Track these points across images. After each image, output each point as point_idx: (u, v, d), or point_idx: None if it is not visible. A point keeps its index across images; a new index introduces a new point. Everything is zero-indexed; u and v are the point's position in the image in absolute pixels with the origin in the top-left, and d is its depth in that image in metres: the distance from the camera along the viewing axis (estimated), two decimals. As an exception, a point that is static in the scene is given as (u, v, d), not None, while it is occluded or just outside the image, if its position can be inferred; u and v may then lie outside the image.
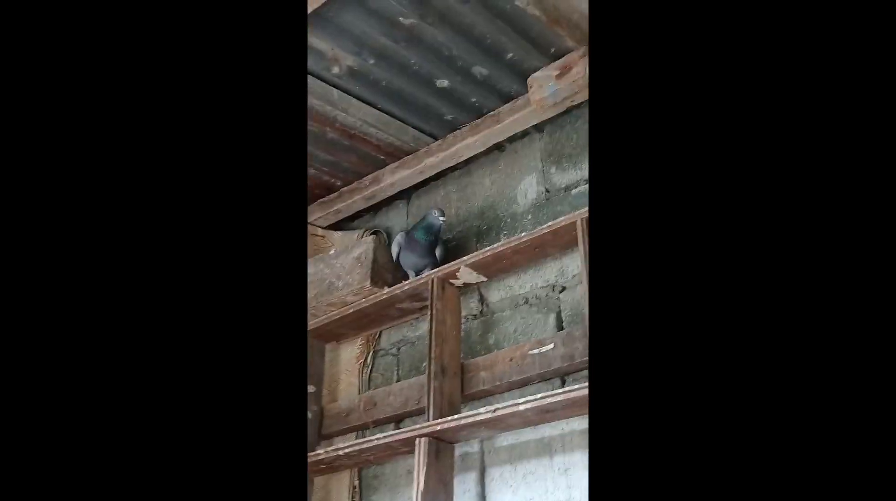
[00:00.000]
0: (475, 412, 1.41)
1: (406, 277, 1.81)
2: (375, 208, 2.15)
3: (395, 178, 2.02)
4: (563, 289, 1.63)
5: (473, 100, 1.78)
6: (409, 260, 1.79)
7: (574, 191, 1.72)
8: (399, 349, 1.91)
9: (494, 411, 1.38)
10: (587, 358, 1.35)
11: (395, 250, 1.82)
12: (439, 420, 1.46)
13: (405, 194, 2.11)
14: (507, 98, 1.78)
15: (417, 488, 1.42)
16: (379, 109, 1.81)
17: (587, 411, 1.26)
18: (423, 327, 1.79)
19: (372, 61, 1.64)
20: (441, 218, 1.77)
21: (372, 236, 1.91)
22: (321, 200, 2.16)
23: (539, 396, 1.33)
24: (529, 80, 1.68)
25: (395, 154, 1.99)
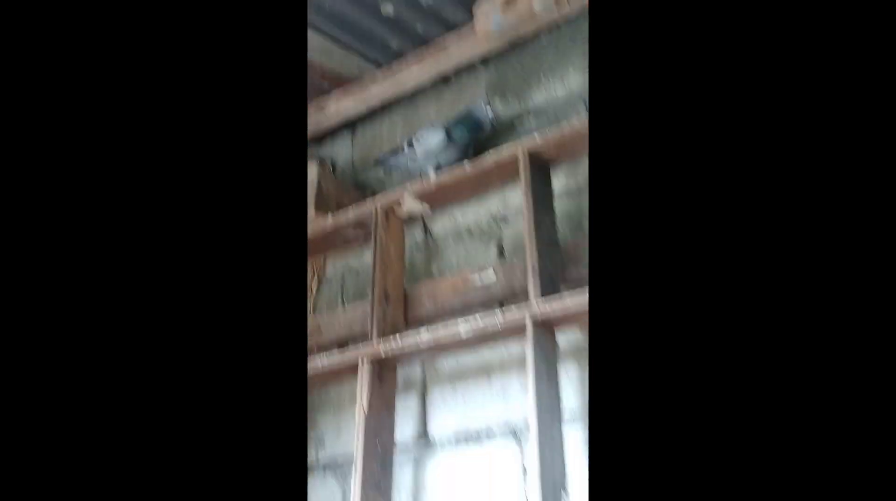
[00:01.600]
0: (416, 334, 1.46)
1: (351, 199, 1.81)
2: (320, 138, 2.13)
3: (340, 107, 2.01)
4: (506, 220, 1.68)
5: (419, 28, 1.77)
6: (437, 158, 1.68)
7: (518, 124, 1.75)
8: (344, 277, 1.94)
9: (436, 334, 1.44)
10: (526, 286, 1.41)
11: (438, 137, 1.67)
12: (382, 343, 1.52)
13: (350, 125, 2.09)
14: (452, 27, 1.77)
15: (360, 408, 1.49)
16: (323, 34, 1.78)
17: (524, 335, 1.33)
18: (368, 256, 1.82)
19: (316, -16, 1.61)
20: (490, 112, 1.64)
21: (317, 164, 1.90)
22: (264, 127, 2.12)
23: (478, 320, 1.40)
24: (475, 9, 1.68)
25: (340, 82, 1.97)
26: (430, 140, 1.68)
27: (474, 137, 1.68)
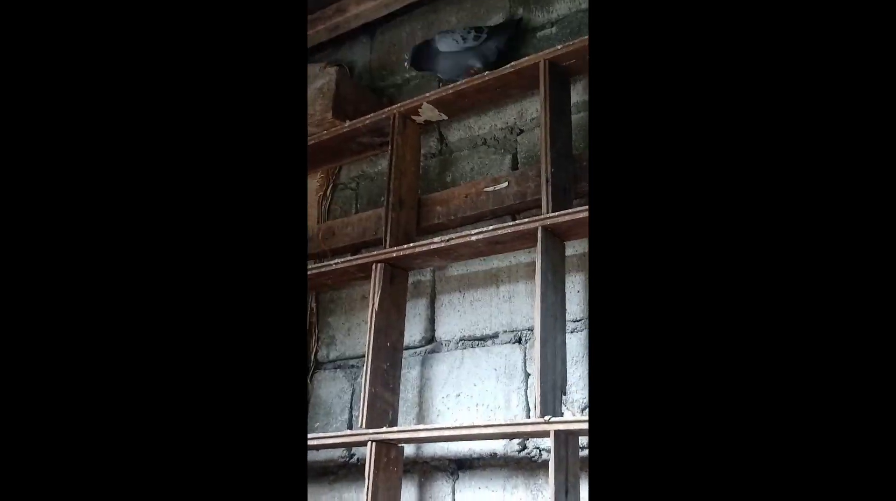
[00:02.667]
0: (429, 240, 1.49)
1: (370, 106, 1.80)
2: (338, 41, 2.10)
3: (360, 9, 1.97)
4: (521, 132, 1.68)
5: (445, -72, 1.71)
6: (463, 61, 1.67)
7: (540, 34, 1.72)
8: (358, 183, 1.96)
9: (448, 240, 1.47)
10: (538, 197, 1.43)
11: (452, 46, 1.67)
12: (395, 248, 1.55)
13: (369, 29, 2.06)
14: (479, -71, 1.71)
15: (372, 309, 1.54)
16: (345, -68, 1.73)
17: (534, 243, 1.36)
18: (383, 163, 1.84)
19: None
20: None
21: (335, 68, 1.89)
22: (282, 28, 2.09)
23: (490, 228, 1.42)
24: None
25: (361, -17, 1.92)
26: (459, 38, 1.66)
27: (507, 44, 1.65)
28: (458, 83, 1.62)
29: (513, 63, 1.53)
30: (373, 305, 1.54)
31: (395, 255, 1.55)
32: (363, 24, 2.02)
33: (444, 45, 1.68)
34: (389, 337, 1.55)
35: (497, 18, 1.80)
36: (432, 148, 1.82)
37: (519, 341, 1.51)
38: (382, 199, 1.70)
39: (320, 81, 1.85)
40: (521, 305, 1.52)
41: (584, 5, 1.65)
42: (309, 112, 1.84)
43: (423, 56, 1.72)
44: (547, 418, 1.21)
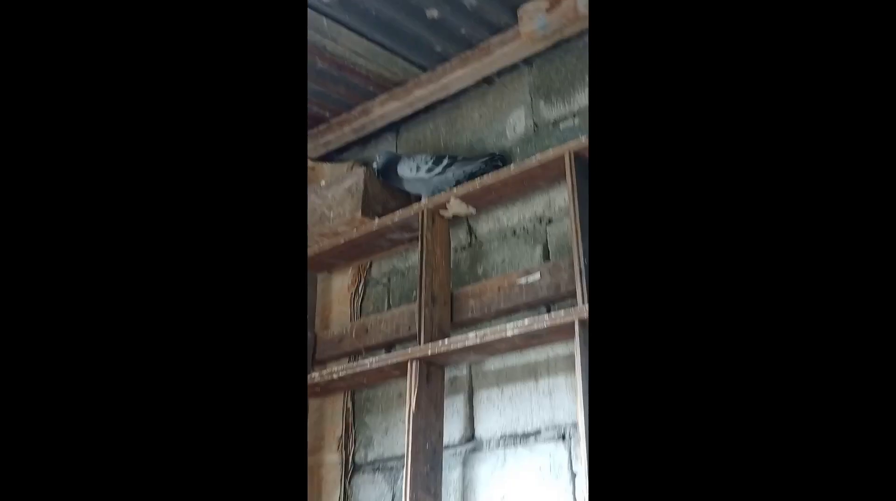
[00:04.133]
0: (464, 336, 1.47)
1: (398, 203, 1.85)
2: (364, 141, 2.16)
3: (385, 110, 2.03)
4: (550, 221, 1.68)
5: (463, 31, 1.78)
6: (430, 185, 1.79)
7: (562, 125, 1.74)
8: (389, 278, 1.96)
9: (484, 336, 1.44)
10: (572, 287, 1.41)
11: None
12: (430, 344, 1.53)
13: (394, 127, 2.11)
14: (496, 30, 1.77)
15: (409, 409, 1.50)
16: (368, 39, 1.80)
17: (571, 336, 1.33)
18: (413, 258, 1.84)
19: (362, -10, 1.63)
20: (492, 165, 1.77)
21: (362, 168, 1.93)
22: (311, 131, 2.16)
23: (526, 322, 1.40)
24: (519, 11, 1.68)
25: (384, 85, 1.99)
26: (414, 167, 1.79)
27: (467, 177, 1.73)
28: (485, 177, 1.64)
29: (537, 156, 1.55)
30: (410, 405, 1.51)
31: (429, 352, 1.52)
32: (388, 123, 2.08)
33: (403, 169, 1.81)
34: (429, 438, 1.51)
35: (518, 114, 1.84)
36: (462, 241, 1.82)
37: (563, 437, 1.45)
38: (415, 293, 1.69)
39: (349, 181, 1.89)
40: (563, 399, 1.48)
41: (605, 95, 1.68)
42: (339, 212, 1.87)
43: (389, 171, 1.83)
44: (599, 524, 1.14)
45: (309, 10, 1.67)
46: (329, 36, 1.77)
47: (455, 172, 1.75)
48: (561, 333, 1.39)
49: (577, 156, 1.49)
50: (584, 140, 1.49)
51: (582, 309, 1.33)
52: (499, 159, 1.74)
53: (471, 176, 1.70)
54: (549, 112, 1.78)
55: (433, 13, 1.71)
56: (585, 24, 1.65)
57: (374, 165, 1.87)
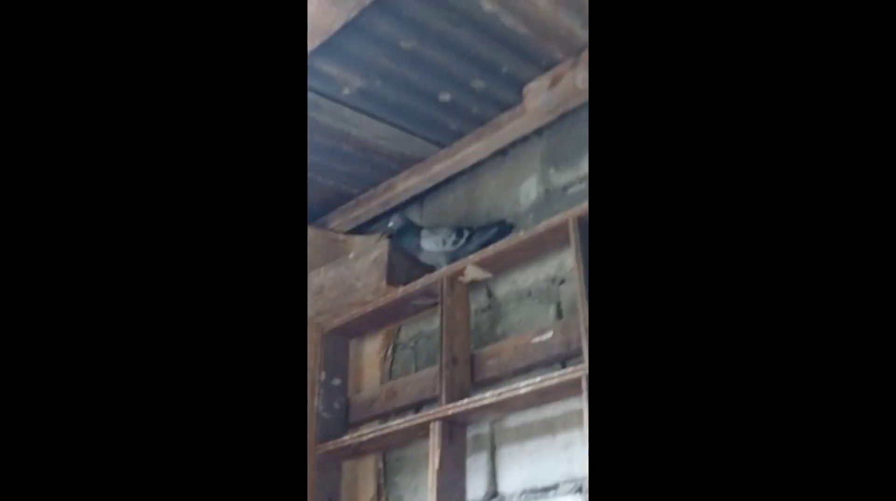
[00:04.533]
0: (481, 396, 1.56)
1: (420, 271, 1.97)
2: (390, 213, 2.30)
3: (408, 184, 2.18)
4: (563, 281, 1.77)
5: (474, 110, 1.93)
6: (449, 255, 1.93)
7: (571, 190, 1.85)
8: (416, 342, 2.06)
9: (499, 394, 1.52)
10: (581, 344, 1.49)
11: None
12: (450, 405, 1.61)
13: (418, 198, 2.26)
14: (505, 107, 1.92)
15: (433, 468, 1.58)
16: (388, 124, 1.97)
17: (581, 392, 1.40)
18: (438, 321, 1.95)
19: (378, 82, 1.80)
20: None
21: (387, 240, 2.06)
22: (340, 207, 2.32)
23: (538, 379, 1.48)
24: (524, 90, 1.82)
25: (406, 163, 2.14)
26: (440, 241, 1.92)
27: (482, 247, 1.85)
28: (498, 243, 1.75)
29: (544, 222, 1.66)
30: (433, 464, 1.58)
31: (450, 412, 1.61)
32: (411, 196, 2.22)
33: (427, 243, 1.94)
34: (452, 496, 1.58)
35: (530, 182, 1.96)
36: (482, 303, 1.92)
37: (579, 490, 1.50)
38: (439, 356, 1.78)
39: (374, 252, 2.03)
40: (578, 453, 1.53)
41: (609, 161, 1.79)
42: (366, 282, 1.99)
43: (409, 241, 1.97)
44: (609, 573, 1.19)
45: (331, 102, 1.85)
46: (352, 123, 1.94)
47: (473, 244, 1.87)
48: (570, 389, 1.46)
49: (580, 220, 1.59)
50: (586, 205, 1.59)
51: (588, 366, 1.40)
52: (507, 227, 1.85)
53: (485, 246, 1.81)
54: (559, 178, 1.89)
55: (445, 97, 1.87)
56: (586, 97, 1.78)
57: (390, 225, 2.00)
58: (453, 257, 1.88)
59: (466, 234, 1.90)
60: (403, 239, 1.99)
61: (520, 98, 1.86)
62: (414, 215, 2.27)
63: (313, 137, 1.95)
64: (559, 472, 1.55)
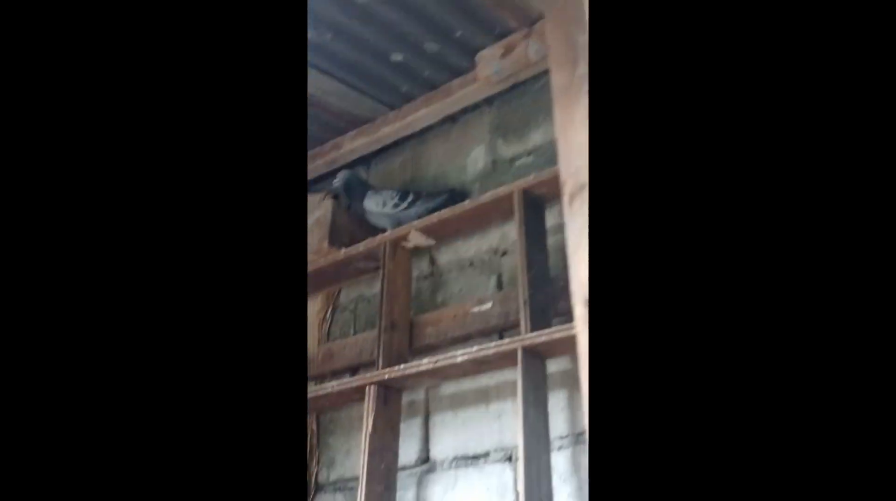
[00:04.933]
0: (418, 362, 1.56)
1: (364, 233, 1.94)
2: (335, 174, 2.26)
3: (355, 144, 2.13)
4: (505, 253, 1.78)
5: (426, 74, 1.89)
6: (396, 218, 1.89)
7: (518, 162, 1.85)
8: (356, 305, 2.05)
9: (436, 362, 1.53)
10: (519, 316, 1.50)
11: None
12: (387, 370, 1.62)
13: (364, 161, 2.22)
14: (457, 73, 1.89)
15: (366, 430, 1.59)
16: (338, 80, 1.92)
17: (517, 363, 1.42)
18: (379, 285, 1.93)
19: (329, 35, 1.74)
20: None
21: (331, 200, 2.03)
22: (284, 164, 2.26)
23: (474, 349, 1.49)
24: (477, 57, 1.79)
25: (354, 122, 2.10)
26: (381, 202, 1.89)
27: (429, 213, 1.83)
28: (443, 211, 1.74)
29: (490, 193, 1.65)
30: (367, 427, 1.59)
31: (387, 376, 1.61)
32: (358, 157, 2.18)
33: (369, 203, 1.91)
34: (384, 459, 1.59)
35: (478, 151, 1.95)
36: (424, 270, 1.92)
37: (509, 459, 1.54)
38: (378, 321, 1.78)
39: (317, 212, 1.99)
40: (510, 423, 1.56)
41: (557, 135, 1.79)
42: (308, 242, 1.96)
43: (354, 196, 1.95)
44: (532, 539, 1.23)
45: (278, 55, 1.79)
46: (299, 77, 1.88)
47: (418, 208, 1.85)
48: (507, 359, 1.47)
49: (525, 194, 1.59)
50: (531, 179, 1.59)
51: (525, 337, 1.42)
52: (458, 195, 1.84)
53: (432, 211, 1.80)
54: (507, 150, 1.89)
55: (397, 57, 1.83)
56: (538, 70, 1.77)
57: (335, 183, 1.97)
58: (396, 221, 1.86)
59: (411, 198, 1.88)
60: (349, 194, 1.96)
61: (472, 65, 1.83)
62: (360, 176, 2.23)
63: (258, 91, 1.88)
64: (491, 441, 1.58)
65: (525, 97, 1.88)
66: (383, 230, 1.88)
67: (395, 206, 1.87)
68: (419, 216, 1.81)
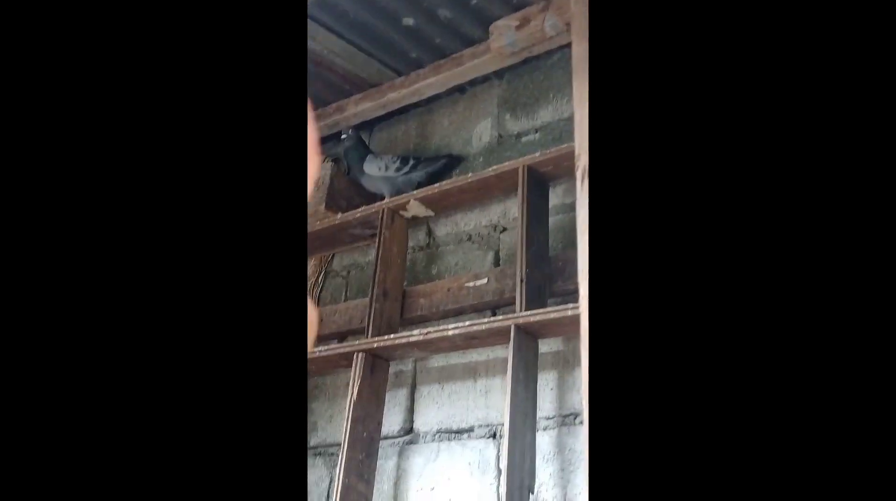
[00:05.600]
0: (408, 333, 1.54)
1: (363, 200, 1.91)
2: (338, 136, 2.22)
3: (359, 108, 2.09)
4: (504, 230, 1.75)
5: (437, 41, 1.85)
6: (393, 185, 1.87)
7: (524, 139, 1.82)
8: (349, 272, 2.03)
9: (427, 334, 1.51)
10: (515, 294, 1.48)
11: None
12: (377, 338, 1.60)
13: (367, 126, 2.18)
14: (469, 42, 1.84)
15: (351, 398, 1.57)
16: (346, 40, 1.87)
17: (509, 341, 1.40)
18: (373, 254, 1.91)
19: (341, -7, 1.70)
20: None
21: (331, 163, 1.99)
22: (285, 123, 2.22)
23: (466, 323, 1.47)
24: (491, 27, 1.75)
25: (360, 86, 2.05)
26: (383, 166, 1.87)
27: (428, 177, 1.82)
28: (444, 182, 1.71)
29: (494, 167, 1.62)
30: (352, 394, 1.57)
31: (376, 345, 1.59)
32: (362, 122, 2.14)
33: (370, 166, 1.88)
34: (367, 427, 1.57)
35: (485, 124, 1.92)
36: (420, 241, 1.89)
37: (493, 436, 1.53)
38: (370, 289, 1.75)
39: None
40: (497, 400, 1.55)
41: (567, 114, 1.76)
42: (304, 204, 1.93)
43: (355, 159, 1.92)
44: (512, 517, 1.22)
45: (288, 8, 1.74)
46: (308, 34, 1.83)
47: (419, 173, 1.82)
48: (499, 336, 1.46)
49: (531, 170, 1.56)
50: (538, 156, 1.56)
51: (519, 315, 1.40)
52: (455, 160, 1.81)
53: (431, 176, 1.77)
54: (514, 125, 1.85)
55: (409, 21, 1.78)
56: (553, 44, 1.73)
57: (345, 140, 1.93)
58: (395, 186, 1.83)
59: (412, 162, 1.85)
60: (349, 157, 1.92)
61: (485, 35, 1.79)
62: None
63: (264, 45, 1.83)
64: (476, 416, 1.57)
65: (537, 72, 1.84)
66: (381, 197, 1.84)
67: (397, 170, 1.84)
68: (419, 182, 1.78)
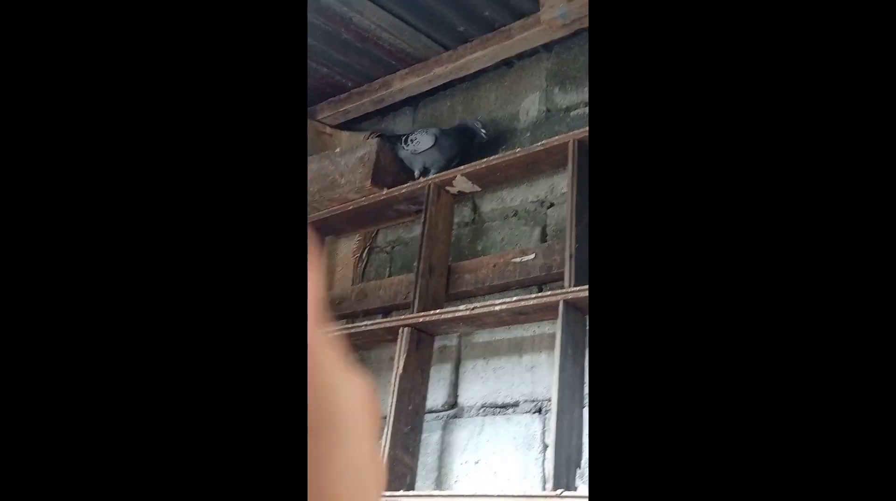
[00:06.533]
0: (455, 308, 1.54)
1: (408, 176, 1.90)
2: (383, 112, 2.22)
3: (405, 84, 2.08)
4: (552, 205, 1.73)
5: (486, 13, 1.82)
6: (424, 161, 1.86)
7: (573, 113, 1.79)
8: (393, 247, 2.03)
9: (473, 309, 1.51)
10: (563, 270, 1.47)
11: (428, 142, 1.84)
12: (422, 313, 1.60)
13: (412, 101, 2.17)
14: (518, 15, 1.82)
15: (396, 372, 1.58)
16: (393, 14, 1.86)
17: (557, 316, 1.39)
18: (418, 229, 1.90)
19: (390, -35, 1.68)
20: (482, 129, 1.82)
21: (377, 139, 1.99)
22: (331, 99, 2.22)
23: (514, 299, 1.46)
24: (542, -1, 1.72)
25: (406, 61, 2.04)
26: (421, 143, 1.83)
27: (462, 149, 1.81)
28: (491, 158, 1.69)
29: (543, 142, 1.60)
30: (397, 368, 1.58)
31: (421, 320, 1.59)
32: (407, 97, 2.13)
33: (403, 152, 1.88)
34: (412, 401, 1.58)
35: (532, 99, 1.89)
36: (466, 217, 1.88)
37: (539, 411, 1.52)
38: (415, 264, 1.76)
39: (362, 150, 1.95)
40: (543, 375, 1.54)
41: (617, 88, 1.72)
42: (350, 179, 1.93)
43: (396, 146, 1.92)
44: (559, 492, 1.21)
45: (336, -19, 1.73)
46: (355, 8, 1.82)
47: (434, 150, 1.82)
48: (546, 312, 1.44)
49: (580, 144, 1.54)
50: (587, 130, 1.53)
51: (567, 291, 1.38)
52: (468, 131, 1.81)
53: (459, 148, 1.78)
54: (563, 99, 1.82)
55: (458, -7, 1.76)
56: (604, 17, 1.69)
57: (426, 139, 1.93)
58: (421, 162, 1.83)
59: (435, 135, 1.84)
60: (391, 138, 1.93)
61: (535, 7, 1.76)
62: (406, 117, 2.19)
63: (312, 18, 1.83)
64: (521, 391, 1.56)
65: (587, 44, 1.80)
66: (423, 173, 1.84)
67: (405, 145, 1.85)
68: (449, 160, 1.78)
